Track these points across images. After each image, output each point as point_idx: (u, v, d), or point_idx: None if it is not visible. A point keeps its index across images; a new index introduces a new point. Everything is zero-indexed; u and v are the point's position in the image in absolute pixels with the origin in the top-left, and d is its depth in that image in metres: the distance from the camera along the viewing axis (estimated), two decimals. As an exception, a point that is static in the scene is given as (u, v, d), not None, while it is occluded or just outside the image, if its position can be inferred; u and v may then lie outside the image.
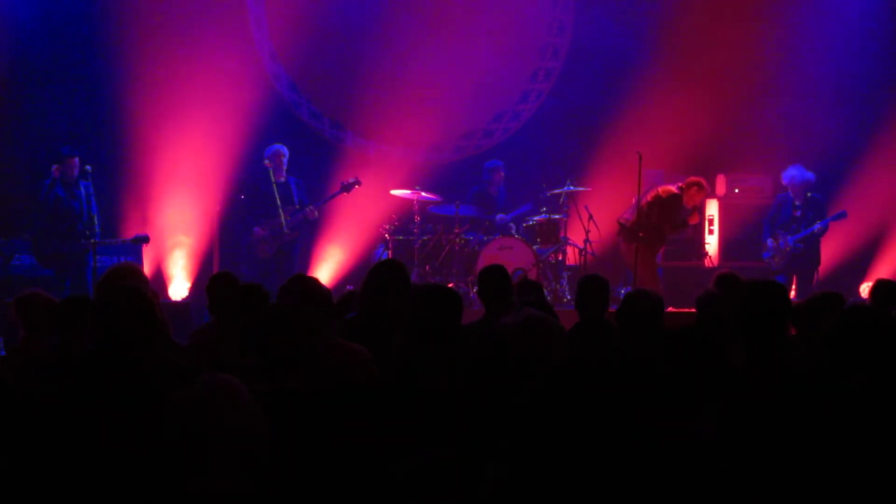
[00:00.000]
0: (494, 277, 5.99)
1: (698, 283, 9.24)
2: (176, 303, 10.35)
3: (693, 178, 10.21)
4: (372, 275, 5.45)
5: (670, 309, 9.39)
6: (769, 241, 11.15)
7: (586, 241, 10.84)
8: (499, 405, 3.46)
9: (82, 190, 9.78)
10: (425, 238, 10.80)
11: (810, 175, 11.08)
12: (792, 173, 11.10)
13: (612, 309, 5.75)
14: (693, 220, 10.25)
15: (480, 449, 3.25)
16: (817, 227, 10.94)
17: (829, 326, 3.93)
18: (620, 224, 10.25)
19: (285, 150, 10.72)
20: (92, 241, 9.62)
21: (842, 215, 11.10)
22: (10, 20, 11.04)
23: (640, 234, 10.02)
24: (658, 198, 10.14)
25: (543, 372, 3.61)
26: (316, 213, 10.75)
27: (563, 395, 3.12)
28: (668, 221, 10.14)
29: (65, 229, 9.84)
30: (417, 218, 10.86)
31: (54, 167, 9.86)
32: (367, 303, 5.37)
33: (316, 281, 5.32)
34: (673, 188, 10.15)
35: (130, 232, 10.49)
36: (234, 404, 2.93)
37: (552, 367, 3.62)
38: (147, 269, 10.50)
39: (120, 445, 3.37)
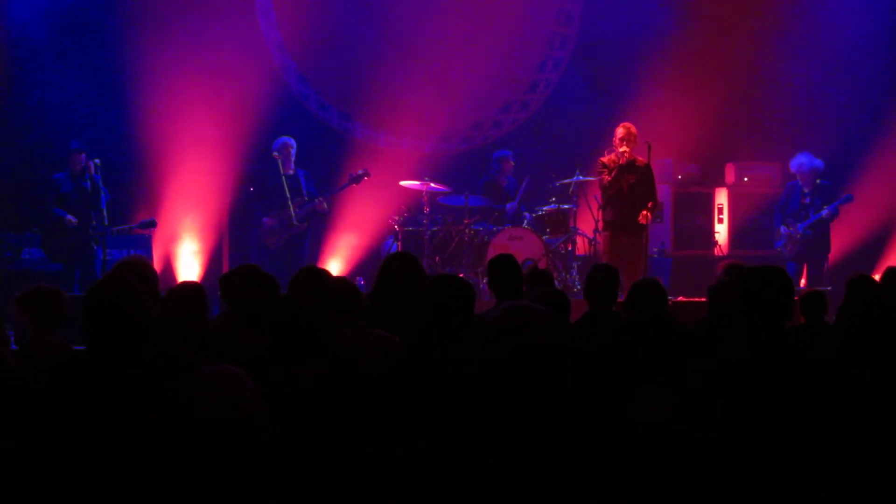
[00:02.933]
0: (504, 267, 5.98)
1: (707, 272, 9.22)
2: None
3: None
4: (384, 267, 5.46)
5: (680, 298, 9.38)
6: (782, 229, 11.12)
7: (596, 230, 10.80)
8: (490, 398, 3.47)
9: (88, 183, 9.86)
10: (435, 229, 10.80)
11: (818, 162, 11.05)
12: (800, 161, 11.08)
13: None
14: (619, 154, 9.76)
15: (478, 441, 3.27)
16: (825, 212, 10.92)
17: (839, 316, 3.91)
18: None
19: (293, 142, 10.73)
20: (102, 225, 9.71)
21: (848, 199, 11.07)
22: (19, 11, 11.05)
23: (600, 226, 10.06)
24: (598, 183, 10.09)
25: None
26: (325, 205, 10.75)
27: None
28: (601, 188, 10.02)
29: (73, 222, 9.88)
30: (427, 209, 10.86)
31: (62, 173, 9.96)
32: (378, 295, 5.38)
33: (326, 273, 5.33)
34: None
35: (138, 224, 10.53)
36: (238, 394, 2.94)
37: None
38: (156, 261, 10.52)
39: (111, 442, 3.33)
